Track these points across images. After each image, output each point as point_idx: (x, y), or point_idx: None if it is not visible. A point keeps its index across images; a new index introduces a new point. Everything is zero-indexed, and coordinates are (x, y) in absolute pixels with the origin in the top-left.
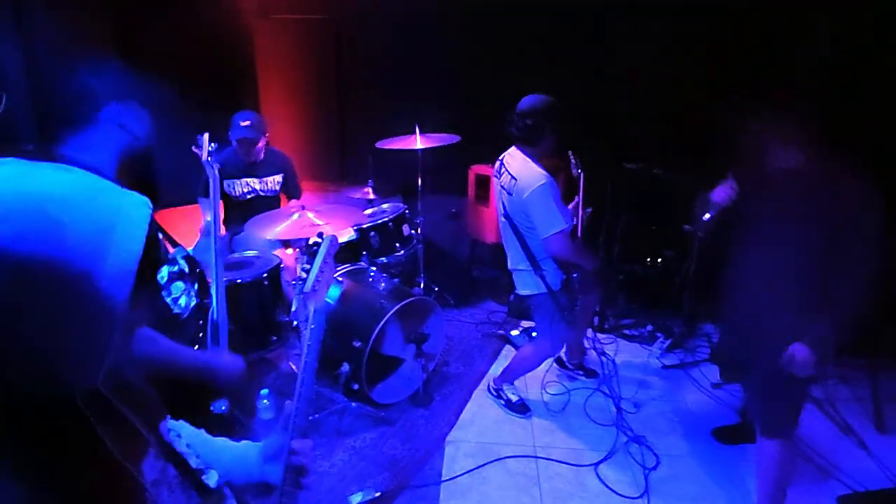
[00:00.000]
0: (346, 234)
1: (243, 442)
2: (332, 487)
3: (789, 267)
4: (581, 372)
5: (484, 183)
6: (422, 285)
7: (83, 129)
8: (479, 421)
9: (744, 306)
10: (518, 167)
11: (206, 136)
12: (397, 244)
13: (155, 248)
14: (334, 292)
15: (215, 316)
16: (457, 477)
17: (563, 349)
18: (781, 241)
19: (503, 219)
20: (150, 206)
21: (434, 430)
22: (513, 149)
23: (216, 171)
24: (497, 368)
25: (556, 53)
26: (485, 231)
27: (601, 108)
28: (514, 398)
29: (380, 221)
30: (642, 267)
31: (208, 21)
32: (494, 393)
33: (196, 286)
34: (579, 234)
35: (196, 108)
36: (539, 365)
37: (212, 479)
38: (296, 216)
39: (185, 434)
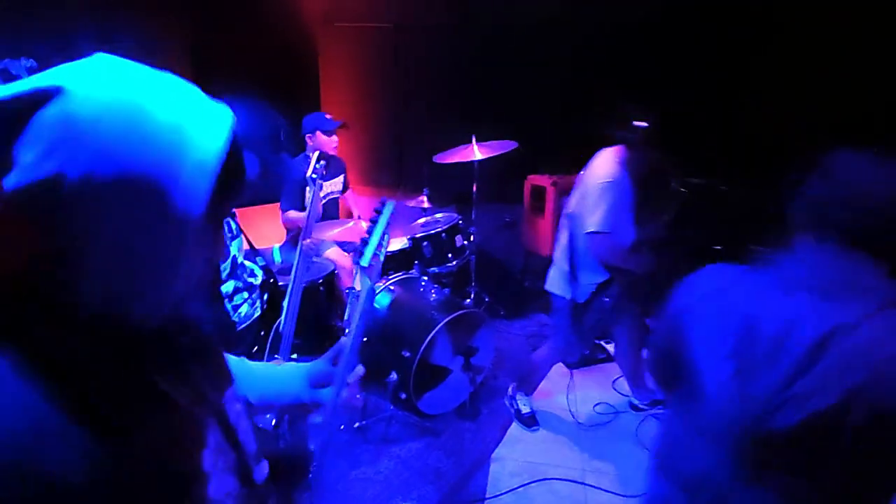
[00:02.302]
0: (399, 243)
1: (287, 364)
2: (377, 496)
3: None
4: (660, 406)
5: (540, 193)
6: (473, 295)
7: None
8: (527, 439)
9: None
10: (602, 160)
11: (316, 154)
12: (449, 255)
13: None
14: (384, 299)
15: (282, 328)
16: (501, 495)
17: (631, 391)
18: None
19: (566, 211)
20: (233, 118)
21: (480, 444)
22: (616, 147)
23: (318, 188)
24: (546, 384)
25: (616, 65)
26: (539, 242)
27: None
28: (524, 409)
29: (433, 232)
30: None
31: (275, 29)
32: (508, 400)
33: (266, 296)
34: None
35: (262, 111)
36: (549, 369)
37: (261, 472)
38: (350, 224)
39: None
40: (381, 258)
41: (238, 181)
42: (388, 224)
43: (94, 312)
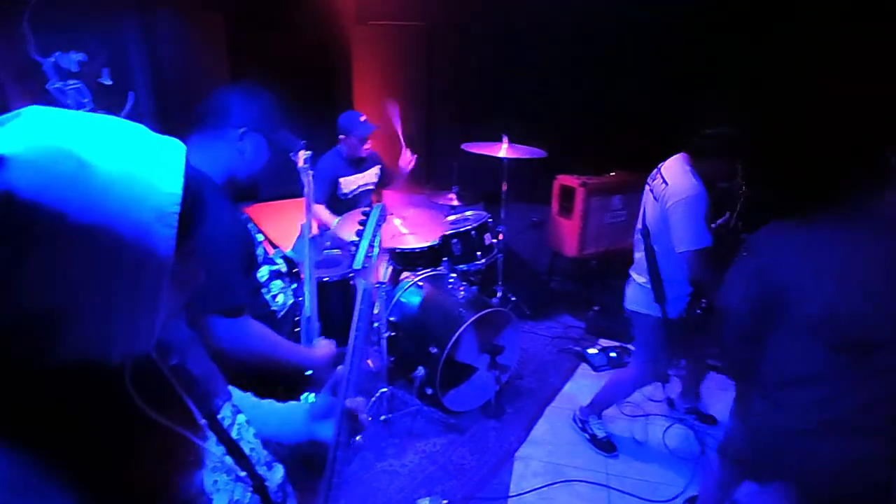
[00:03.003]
0: (430, 239)
1: (290, 402)
2: (402, 488)
3: None
4: (694, 416)
5: (568, 194)
6: (499, 294)
7: (199, 136)
8: (550, 439)
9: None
10: (674, 173)
11: (303, 144)
12: (478, 253)
13: (249, 243)
14: (414, 298)
15: (307, 313)
16: (523, 494)
17: (679, 390)
18: None
19: (638, 227)
20: (185, 148)
21: (504, 443)
22: (679, 155)
23: (310, 178)
24: (572, 387)
25: (646, 66)
26: (566, 244)
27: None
28: (600, 434)
29: (462, 229)
30: None
31: (310, 27)
32: (580, 424)
33: (294, 285)
34: None
35: (296, 108)
36: (631, 394)
37: (274, 478)
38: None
39: (238, 404)
40: (374, 259)
41: (202, 211)
42: (378, 226)
43: (69, 362)
